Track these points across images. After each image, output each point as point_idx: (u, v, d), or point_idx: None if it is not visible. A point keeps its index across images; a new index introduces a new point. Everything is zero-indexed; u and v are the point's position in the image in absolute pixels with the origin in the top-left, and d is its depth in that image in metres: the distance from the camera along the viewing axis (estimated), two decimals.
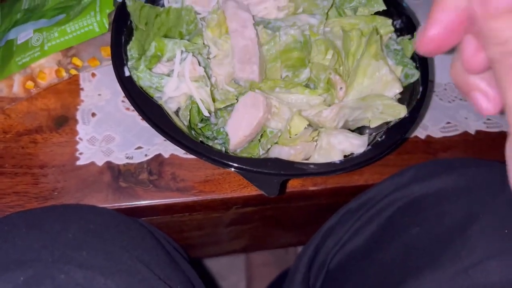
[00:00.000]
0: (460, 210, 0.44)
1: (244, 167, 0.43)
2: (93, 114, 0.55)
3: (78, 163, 0.52)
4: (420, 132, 0.60)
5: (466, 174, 0.47)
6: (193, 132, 0.47)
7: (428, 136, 0.60)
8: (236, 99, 0.48)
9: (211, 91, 0.48)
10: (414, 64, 0.53)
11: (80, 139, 0.54)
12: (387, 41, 0.54)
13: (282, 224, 0.66)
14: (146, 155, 0.54)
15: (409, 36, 0.55)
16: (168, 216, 0.54)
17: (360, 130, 0.53)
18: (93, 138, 0.54)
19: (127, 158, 0.53)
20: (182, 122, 0.47)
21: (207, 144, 0.47)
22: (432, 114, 0.62)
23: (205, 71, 0.47)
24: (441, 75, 0.65)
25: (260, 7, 0.50)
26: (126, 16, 0.49)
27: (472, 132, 0.62)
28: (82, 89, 0.57)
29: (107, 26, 0.51)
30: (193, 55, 0.47)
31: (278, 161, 0.44)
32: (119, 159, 0.53)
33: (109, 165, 0.52)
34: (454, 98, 0.64)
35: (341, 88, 0.49)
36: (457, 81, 0.29)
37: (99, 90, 0.57)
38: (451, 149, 0.60)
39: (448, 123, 0.62)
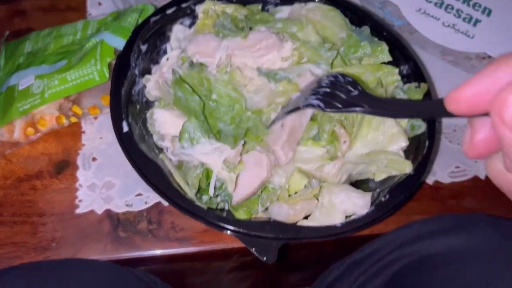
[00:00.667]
0: (470, 275, 0.42)
1: (241, 230, 0.42)
2: (94, 159, 0.55)
3: (78, 211, 0.52)
4: (428, 178, 0.58)
5: (477, 234, 0.45)
6: (197, 195, 0.46)
7: (436, 182, 0.58)
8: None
9: None
10: None
11: (80, 185, 0.53)
12: (393, 91, 0.52)
13: (285, 269, 0.65)
14: (146, 203, 0.53)
15: (415, 84, 0.53)
16: (168, 265, 0.54)
17: (364, 182, 0.51)
18: (93, 184, 0.53)
19: (127, 205, 0.53)
20: (182, 178, 0.46)
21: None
22: (441, 157, 0.60)
23: None
24: None
25: (264, 58, 0.49)
26: (126, 66, 0.48)
27: (482, 177, 0.59)
28: (83, 132, 0.56)
29: (107, 75, 0.51)
30: None
31: (276, 224, 0.43)
32: (119, 206, 0.52)
33: (108, 213, 0.52)
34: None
35: (344, 141, 0.48)
36: (499, 181, 0.28)
37: (101, 133, 0.56)
38: (460, 196, 0.58)
39: (457, 167, 0.60)
